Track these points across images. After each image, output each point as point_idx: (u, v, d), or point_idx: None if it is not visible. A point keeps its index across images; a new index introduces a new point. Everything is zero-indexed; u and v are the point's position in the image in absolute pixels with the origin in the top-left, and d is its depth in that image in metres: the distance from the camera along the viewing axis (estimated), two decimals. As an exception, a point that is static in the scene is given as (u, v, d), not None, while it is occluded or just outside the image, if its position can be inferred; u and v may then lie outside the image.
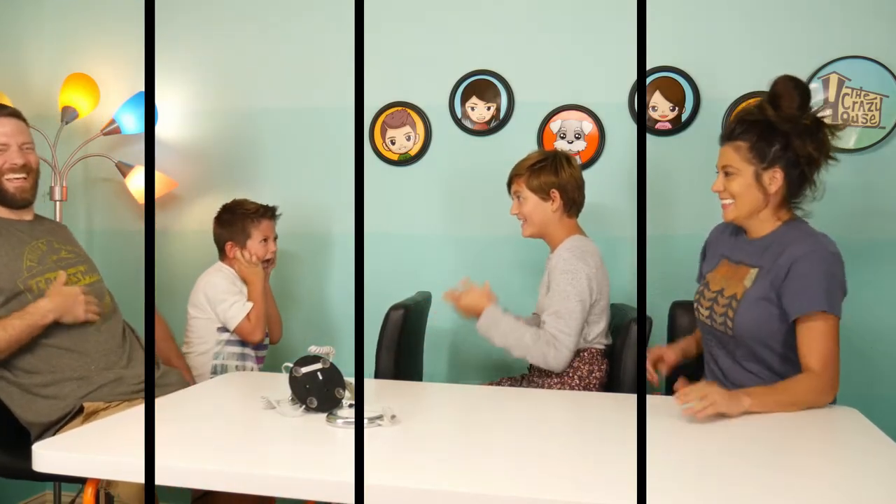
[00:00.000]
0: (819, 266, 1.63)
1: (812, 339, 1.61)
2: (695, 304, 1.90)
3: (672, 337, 2.14)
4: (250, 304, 2.29)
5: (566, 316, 1.96)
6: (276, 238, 2.44)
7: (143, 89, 2.73)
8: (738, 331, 1.71)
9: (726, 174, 1.75)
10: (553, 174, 2.06)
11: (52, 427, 1.86)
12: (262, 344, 2.37)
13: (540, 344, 1.96)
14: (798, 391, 1.60)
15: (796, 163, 1.69)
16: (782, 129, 1.67)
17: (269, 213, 2.41)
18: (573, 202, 2.10)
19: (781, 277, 1.66)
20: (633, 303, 2.33)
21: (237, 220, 2.37)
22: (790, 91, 1.69)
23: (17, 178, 1.96)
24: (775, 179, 1.70)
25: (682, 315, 2.09)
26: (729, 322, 1.74)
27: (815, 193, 1.74)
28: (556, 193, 2.06)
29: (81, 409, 1.85)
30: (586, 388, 2.02)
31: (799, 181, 1.72)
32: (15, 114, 1.99)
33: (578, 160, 2.48)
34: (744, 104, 2.38)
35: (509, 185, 2.15)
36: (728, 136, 1.76)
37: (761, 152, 1.70)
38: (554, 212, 2.08)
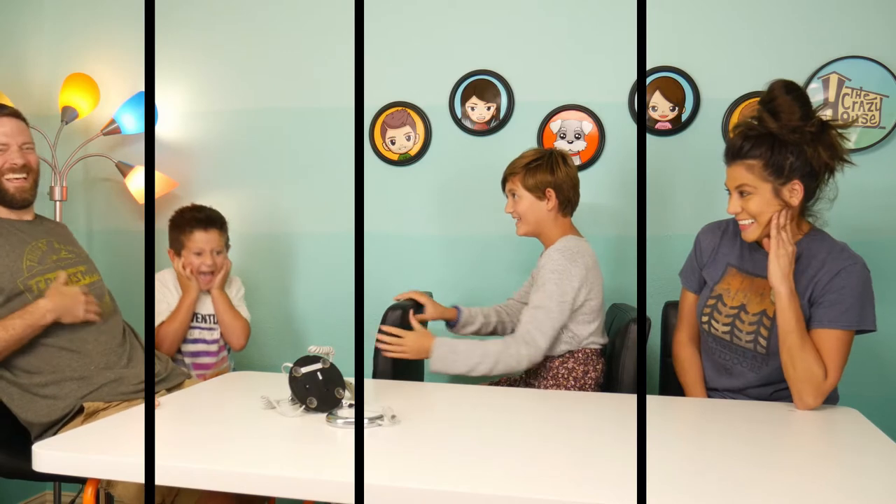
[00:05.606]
0: (856, 283, 1.65)
1: (834, 349, 1.64)
2: (703, 318, 1.85)
3: (665, 336, 2.14)
4: (164, 317, 2.26)
5: (544, 315, 1.95)
6: (219, 252, 2.32)
7: (143, 89, 2.73)
8: (774, 349, 1.71)
9: (741, 194, 1.70)
10: (549, 173, 2.05)
11: (52, 427, 1.86)
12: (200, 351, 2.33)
13: (511, 346, 1.94)
14: (806, 367, 1.61)
15: (813, 171, 1.66)
16: (791, 140, 1.63)
17: (209, 225, 2.30)
18: (568, 201, 2.09)
19: (819, 291, 1.66)
20: (633, 302, 2.33)
21: (174, 228, 2.33)
22: (787, 99, 1.64)
23: (18, 178, 1.97)
24: (795, 192, 1.66)
25: (675, 315, 2.09)
26: (762, 341, 1.73)
27: (830, 195, 1.72)
28: (551, 192, 2.05)
29: (81, 409, 1.85)
30: (582, 388, 2.01)
31: (816, 188, 1.69)
32: (15, 114, 2.00)
33: (578, 160, 2.48)
34: (739, 112, 2.38)
35: (504, 183, 2.14)
36: (736, 155, 1.69)
37: (777, 167, 1.65)
38: (549, 211, 2.07)
